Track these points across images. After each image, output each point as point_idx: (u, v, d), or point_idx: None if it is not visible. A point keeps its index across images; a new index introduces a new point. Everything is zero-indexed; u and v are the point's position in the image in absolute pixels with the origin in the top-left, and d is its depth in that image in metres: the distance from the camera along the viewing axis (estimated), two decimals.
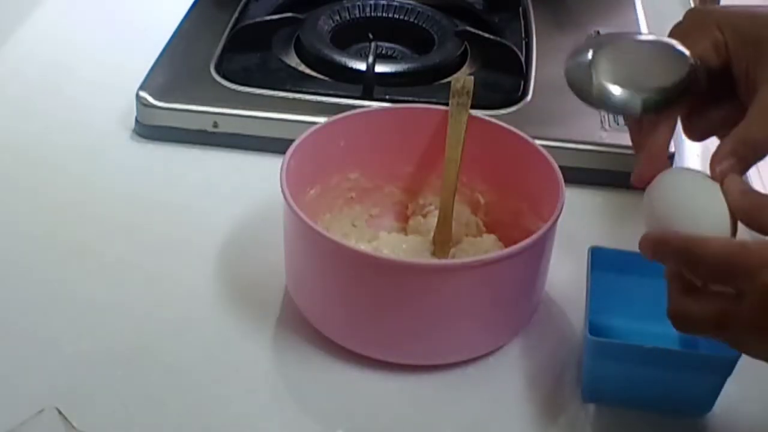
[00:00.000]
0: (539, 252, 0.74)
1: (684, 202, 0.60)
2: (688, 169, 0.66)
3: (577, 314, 0.77)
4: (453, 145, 0.80)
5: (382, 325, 0.73)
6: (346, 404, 0.71)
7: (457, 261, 0.78)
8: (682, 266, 0.59)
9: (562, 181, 0.75)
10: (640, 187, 0.65)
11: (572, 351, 0.76)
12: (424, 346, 0.73)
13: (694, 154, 0.95)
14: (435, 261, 0.79)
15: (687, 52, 0.65)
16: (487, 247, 0.80)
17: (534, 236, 0.70)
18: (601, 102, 0.65)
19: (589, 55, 0.65)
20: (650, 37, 0.68)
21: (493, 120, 0.83)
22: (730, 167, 0.62)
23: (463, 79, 0.83)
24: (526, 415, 0.71)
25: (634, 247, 0.62)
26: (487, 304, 0.72)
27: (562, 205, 0.73)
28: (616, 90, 0.64)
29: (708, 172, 0.63)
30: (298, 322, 0.76)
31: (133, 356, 0.73)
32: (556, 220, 0.72)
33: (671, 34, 0.68)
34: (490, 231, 0.83)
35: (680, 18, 0.69)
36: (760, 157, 0.64)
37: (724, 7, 0.68)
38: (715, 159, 0.62)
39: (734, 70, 0.66)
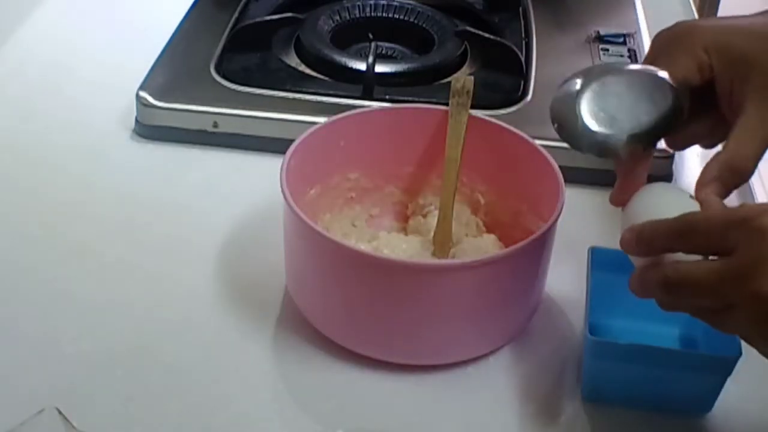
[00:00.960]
0: (539, 252, 0.74)
1: (660, 217, 0.61)
2: (665, 185, 0.69)
3: (577, 314, 0.77)
4: (453, 145, 0.80)
5: (382, 325, 0.73)
6: (346, 404, 0.71)
7: (457, 261, 0.78)
8: (676, 241, 0.58)
9: (562, 181, 0.75)
10: (619, 206, 0.66)
11: (572, 351, 0.76)
12: (424, 346, 0.73)
13: (695, 154, 0.95)
14: (435, 261, 0.79)
15: (675, 86, 0.66)
16: (487, 247, 0.80)
17: (534, 236, 0.70)
18: (590, 151, 0.67)
19: (576, 101, 0.66)
20: (639, 70, 0.68)
21: (493, 120, 0.83)
22: (713, 191, 0.63)
23: (463, 79, 0.83)
24: (526, 415, 0.71)
25: None
26: (487, 304, 0.72)
27: (562, 205, 0.73)
28: (603, 142, 0.66)
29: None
30: (298, 322, 0.76)
31: (133, 356, 0.73)
32: (556, 220, 0.72)
33: (655, 47, 0.69)
34: (490, 231, 0.83)
35: (679, 18, 0.69)
36: (745, 181, 0.64)
37: (716, 23, 0.68)
38: (701, 183, 0.63)
39: (718, 88, 0.66)
